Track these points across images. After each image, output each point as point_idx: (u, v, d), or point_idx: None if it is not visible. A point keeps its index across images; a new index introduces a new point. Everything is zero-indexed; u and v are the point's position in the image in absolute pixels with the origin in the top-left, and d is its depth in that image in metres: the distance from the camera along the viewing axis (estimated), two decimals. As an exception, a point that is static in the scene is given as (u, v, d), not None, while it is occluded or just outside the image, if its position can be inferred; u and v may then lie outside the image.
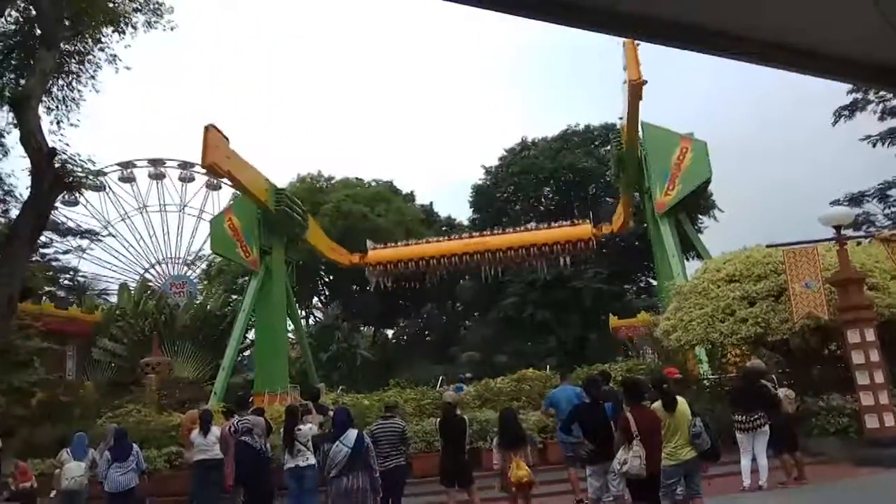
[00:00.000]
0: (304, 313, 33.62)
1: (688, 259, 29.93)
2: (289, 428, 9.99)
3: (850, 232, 16.85)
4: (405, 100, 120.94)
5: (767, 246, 15.11)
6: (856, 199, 34.23)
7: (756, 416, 10.42)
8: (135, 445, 10.85)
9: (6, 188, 20.10)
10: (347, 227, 41.36)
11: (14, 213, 19.44)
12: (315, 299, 49.16)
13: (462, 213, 50.92)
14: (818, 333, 13.94)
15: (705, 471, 7.99)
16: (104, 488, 10.34)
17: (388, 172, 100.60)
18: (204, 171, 55.46)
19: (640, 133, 26.04)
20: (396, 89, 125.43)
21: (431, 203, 51.46)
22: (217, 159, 20.83)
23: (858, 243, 15.98)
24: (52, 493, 11.10)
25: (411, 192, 50.45)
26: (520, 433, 9.43)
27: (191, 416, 13.19)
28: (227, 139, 21.93)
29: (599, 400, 8.53)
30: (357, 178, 48.01)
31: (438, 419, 10.32)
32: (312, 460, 9.88)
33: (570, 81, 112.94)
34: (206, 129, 20.54)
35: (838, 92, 34.13)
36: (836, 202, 31.14)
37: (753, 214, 68.58)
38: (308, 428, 10.19)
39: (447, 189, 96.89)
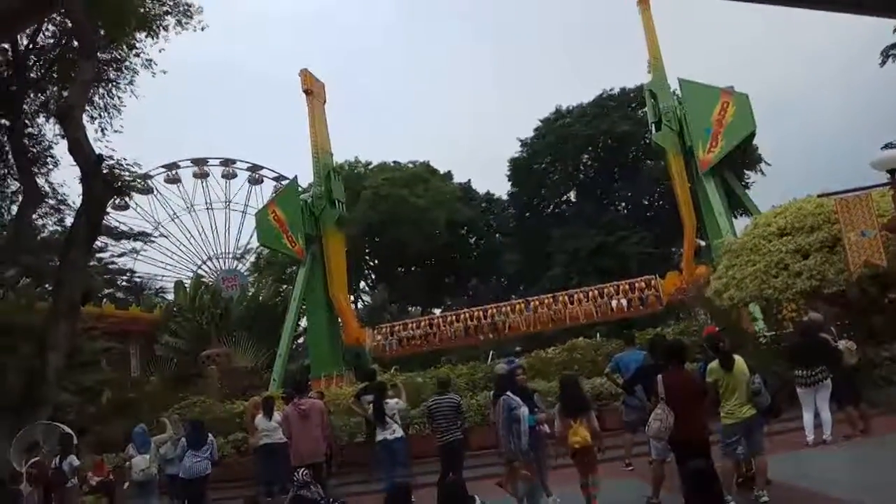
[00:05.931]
0: (352, 297, 33.98)
1: (736, 217, 29.15)
2: (377, 403, 10.19)
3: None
4: (437, 78, 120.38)
5: (819, 196, 14.63)
6: (910, 141, 32.69)
7: (817, 371, 10.20)
8: (210, 436, 11.21)
9: (60, 197, 20.74)
10: (388, 211, 41.57)
11: (69, 221, 20.14)
12: (362, 283, 49.76)
13: (501, 188, 50.57)
14: (877, 282, 13.49)
15: (769, 424, 7.83)
16: (179, 474, 10.76)
17: (425, 153, 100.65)
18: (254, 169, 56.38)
19: (679, 90, 25.39)
20: (428, 69, 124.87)
21: (469, 180, 51.29)
22: (313, 88, 29.28)
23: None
24: (126, 485, 11.64)
25: (448, 171, 50.34)
26: (582, 399, 8.64)
27: (254, 402, 13.65)
28: (322, 84, 30.32)
29: (662, 362, 8.33)
30: (394, 162, 48.12)
31: (492, 392, 10.40)
32: (400, 433, 10.14)
33: (602, 45, 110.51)
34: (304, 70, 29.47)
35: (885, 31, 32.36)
36: (888, 145, 29.80)
37: (803, 165, 66.25)
38: (395, 402, 10.43)
39: (484, 165, 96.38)
